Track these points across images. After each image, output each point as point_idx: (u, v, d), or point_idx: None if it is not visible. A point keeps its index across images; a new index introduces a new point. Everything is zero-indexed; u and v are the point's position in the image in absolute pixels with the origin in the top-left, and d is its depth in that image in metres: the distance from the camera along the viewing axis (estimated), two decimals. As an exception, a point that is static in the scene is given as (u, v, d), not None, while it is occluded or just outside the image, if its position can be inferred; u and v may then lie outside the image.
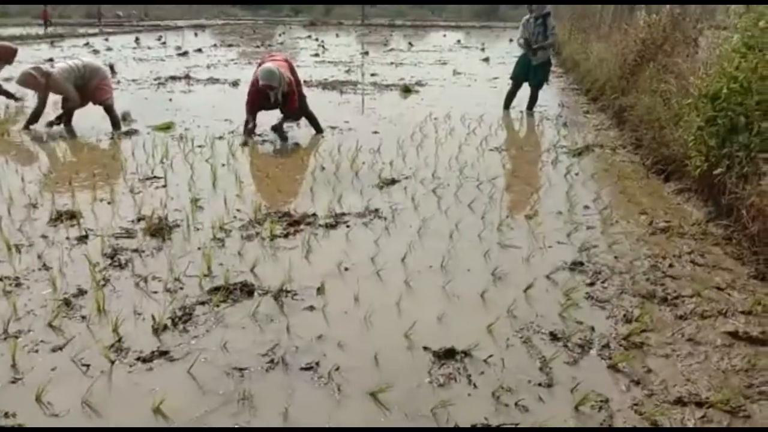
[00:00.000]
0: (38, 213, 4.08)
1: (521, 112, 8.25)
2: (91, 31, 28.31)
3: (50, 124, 6.67)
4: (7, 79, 8.75)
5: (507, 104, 8.34)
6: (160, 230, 3.75)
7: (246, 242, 3.63)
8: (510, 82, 8.43)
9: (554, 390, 2.28)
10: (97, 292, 2.93)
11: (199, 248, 3.51)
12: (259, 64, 6.43)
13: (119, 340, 2.56)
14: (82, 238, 3.65)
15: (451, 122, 7.38)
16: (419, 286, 3.09)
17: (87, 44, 20.38)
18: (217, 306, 2.85)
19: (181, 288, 3.04)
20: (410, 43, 22.19)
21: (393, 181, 4.89)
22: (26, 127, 6.65)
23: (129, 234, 3.73)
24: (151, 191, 4.61)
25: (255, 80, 6.17)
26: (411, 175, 5.11)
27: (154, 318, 2.67)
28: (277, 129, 6.42)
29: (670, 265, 3.35)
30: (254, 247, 3.56)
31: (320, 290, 3.02)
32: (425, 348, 2.52)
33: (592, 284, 3.14)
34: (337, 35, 28.17)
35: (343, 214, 4.12)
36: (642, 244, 3.66)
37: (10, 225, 3.86)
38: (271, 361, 2.43)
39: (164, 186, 4.73)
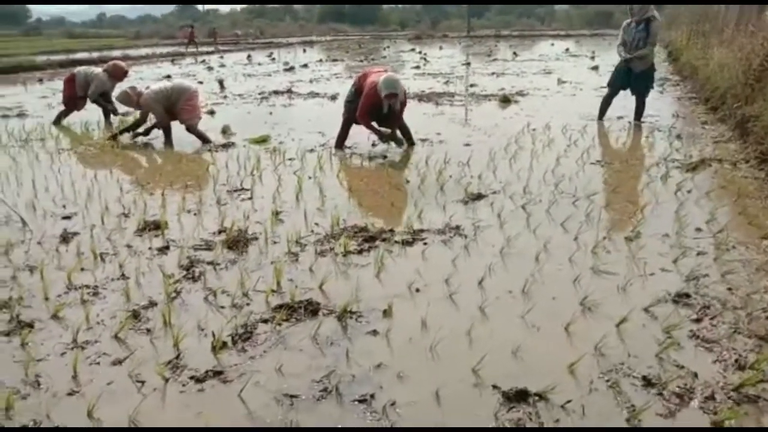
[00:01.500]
0: (128, 222, 4.22)
1: (629, 122, 7.65)
2: (208, 49, 30.20)
3: (135, 135, 7.14)
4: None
5: (601, 114, 7.80)
6: (237, 243, 3.73)
7: (319, 258, 3.52)
8: (607, 88, 7.84)
9: (643, 448, 1.94)
10: (165, 305, 2.92)
11: (272, 262, 3.44)
12: (360, 78, 6.35)
13: (177, 357, 2.51)
14: (164, 249, 3.71)
15: (551, 133, 6.96)
16: (495, 313, 2.82)
17: (203, 62, 21.68)
18: (280, 324, 2.74)
19: (248, 304, 2.97)
20: (515, 53, 21.64)
21: (479, 196, 4.62)
22: (124, 132, 7.15)
23: (208, 246, 3.74)
24: (237, 203, 4.65)
25: (372, 90, 5.99)
26: (500, 189, 4.81)
27: (213, 335, 2.60)
28: (392, 138, 6.34)
29: (799, 302, 2.84)
30: (326, 263, 3.44)
31: (387, 313, 2.83)
32: (494, 387, 2.25)
33: (698, 320, 2.72)
34: (441, 47, 28.08)
35: (422, 230, 3.91)
36: (762, 274, 3.15)
37: (101, 234, 4.00)
38: (325, 389, 2.26)
39: (250, 198, 4.76)
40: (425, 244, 3.72)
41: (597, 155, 5.95)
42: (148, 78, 14.97)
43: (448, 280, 3.15)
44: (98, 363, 2.49)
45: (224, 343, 2.58)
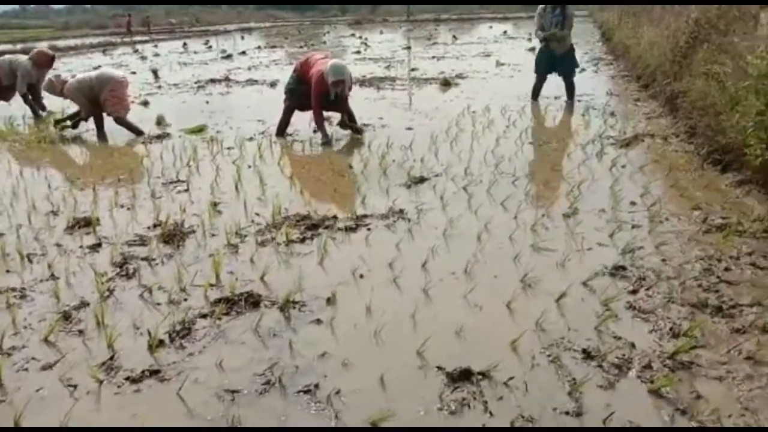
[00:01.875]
0: (58, 220, 4.01)
1: (565, 101, 7.81)
2: (142, 38, 29.11)
3: (57, 122, 6.90)
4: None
5: (535, 95, 7.97)
6: (174, 237, 3.61)
7: (260, 248, 3.44)
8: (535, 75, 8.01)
9: (583, 419, 1.98)
10: (98, 305, 2.79)
11: (210, 255, 3.33)
12: (302, 64, 6.22)
13: (112, 358, 2.40)
14: (95, 246, 3.55)
15: (490, 115, 7.03)
16: (439, 295, 2.82)
17: (136, 51, 20.89)
18: (219, 319, 2.66)
19: (186, 299, 2.87)
20: (454, 36, 21.76)
21: (422, 179, 4.62)
22: (62, 121, 6.83)
23: (142, 241, 3.59)
24: (173, 196, 4.50)
25: (320, 79, 5.85)
26: (442, 172, 4.82)
27: (150, 333, 2.50)
28: (347, 125, 6.28)
29: (727, 269, 2.96)
30: (268, 254, 3.37)
31: (330, 300, 2.79)
32: (439, 368, 2.25)
33: (634, 292, 2.79)
34: (381, 32, 27.96)
35: (365, 216, 3.88)
36: (694, 244, 3.27)
37: (28, 233, 3.80)
38: (267, 382, 2.21)
39: (186, 190, 4.61)
40: (369, 229, 3.69)
41: (535, 135, 6.04)
42: (77, 70, 14.33)
43: (392, 265, 3.14)
44: (26, 369, 2.36)
45: (161, 341, 2.49)
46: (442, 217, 3.83)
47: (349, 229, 3.67)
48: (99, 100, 6.48)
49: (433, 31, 27.68)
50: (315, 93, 5.96)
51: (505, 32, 23.64)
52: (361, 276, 3.04)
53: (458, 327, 2.51)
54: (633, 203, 3.96)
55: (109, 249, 3.48)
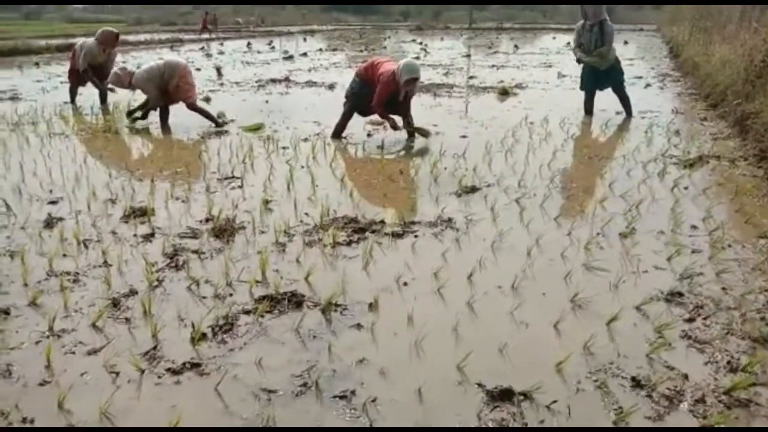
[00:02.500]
0: (115, 209, 4.14)
1: (622, 116, 7.57)
2: (209, 36, 29.96)
3: (129, 114, 7.11)
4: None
5: (587, 111, 7.77)
6: (224, 231, 3.66)
7: (306, 248, 3.45)
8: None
9: (629, 452, 1.88)
10: (146, 294, 2.85)
11: (258, 252, 3.36)
12: (367, 68, 6.21)
13: (155, 348, 2.44)
14: (149, 236, 3.63)
15: (549, 126, 6.88)
16: (483, 309, 2.75)
17: (202, 48, 21.50)
18: (262, 316, 2.67)
19: (231, 294, 2.90)
20: (516, 46, 21.49)
21: (473, 189, 4.55)
22: (134, 112, 7.03)
23: (194, 234, 3.66)
24: (227, 191, 4.57)
25: (390, 78, 5.88)
26: (494, 182, 4.74)
27: (193, 326, 2.53)
28: (413, 126, 6.30)
29: (794, 303, 2.78)
30: (314, 255, 3.37)
31: (372, 306, 2.76)
32: (479, 385, 2.18)
33: (691, 320, 2.65)
34: (442, 39, 27.92)
35: (413, 222, 3.84)
36: (758, 274, 3.09)
37: (86, 219, 3.92)
38: (304, 384, 2.20)
39: (240, 186, 4.68)
40: (416, 236, 3.65)
41: (594, 150, 5.88)
42: (144, 65, 14.86)
43: (437, 274, 3.09)
44: (73, 352, 2.42)
45: (204, 335, 2.51)
46: (492, 228, 3.75)
47: (395, 235, 3.64)
48: (168, 88, 6.68)
49: (495, 39, 27.43)
50: (381, 92, 5.97)
51: (568, 43, 23.12)
52: (405, 284, 3.00)
53: (502, 344, 2.44)
54: (694, 227, 3.78)
55: (161, 239, 3.56)
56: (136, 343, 2.48)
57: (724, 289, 2.94)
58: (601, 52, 7.21)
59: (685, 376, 2.23)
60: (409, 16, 58.66)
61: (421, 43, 23.38)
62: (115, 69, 6.93)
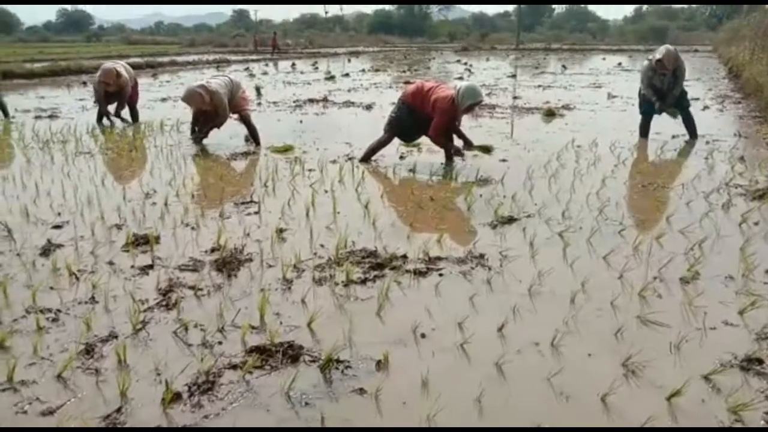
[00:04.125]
0: (120, 235, 3.84)
1: (685, 142, 6.96)
2: (255, 57, 30.39)
3: (195, 138, 6.93)
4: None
5: (644, 133, 7.20)
6: (228, 264, 3.30)
7: (315, 287, 3.05)
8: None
9: None
10: (126, 339, 2.50)
11: (261, 290, 2.98)
12: (413, 94, 5.82)
13: (119, 410, 2.06)
14: (146, 268, 3.30)
15: (597, 151, 6.35)
16: (515, 372, 2.28)
17: (247, 69, 21.65)
18: (250, 373, 2.27)
19: (220, 342, 2.51)
20: (564, 66, 20.87)
21: (511, 220, 4.08)
22: (198, 140, 6.84)
23: (195, 267, 3.31)
24: (241, 217, 4.24)
25: (448, 105, 5.53)
26: (535, 212, 4.25)
27: (167, 384, 2.15)
28: (473, 145, 6.00)
29: None
30: (322, 295, 2.97)
31: (381, 365, 2.33)
32: (503, 481, 1.72)
33: (776, 397, 2.12)
34: (488, 59, 27.49)
35: (439, 258, 3.39)
36: None
37: (86, 247, 3.63)
38: (284, 470, 1.78)
39: (257, 212, 4.34)
40: (441, 275, 3.20)
41: (649, 177, 5.32)
42: (187, 84, 14.92)
43: (462, 324, 2.63)
44: (25, 412, 2.07)
45: (178, 395, 2.13)
46: (530, 268, 3.27)
47: (418, 273, 3.20)
48: (233, 101, 6.63)
49: (542, 60, 26.84)
50: (442, 120, 5.63)
51: (619, 64, 22.43)
52: (423, 335, 2.56)
53: (536, 423, 1.96)
54: (770, 272, 3.22)
55: (159, 272, 3.22)
56: (100, 402, 2.12)
57: (815, 355, 2.39)
58: (673, 111, 7.01)
59: (776, 483, 1.72)
60: (455, 38, 58.52)
61: (465, 64, 23.01)
62: (195, 88, 6.52)
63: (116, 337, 2.55)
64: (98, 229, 3.94)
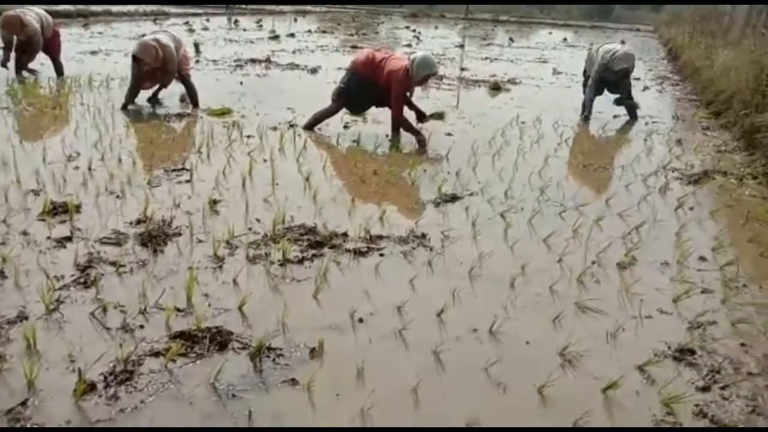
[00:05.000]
0: (37, 202, 3.54)
1: (626, 122, 7.08)
2: (196, 10, 29.00)
3: (151, 101, 6.51)
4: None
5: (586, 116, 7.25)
6: (154, 238, 3.09)
7: (249, 265, 2.89)
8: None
9: None
10: (36, 322, 2.29)
11: (189, 268, 2.80)
12: (363, 63, 5.56)
13: (24, 403, 1.88)
14: (64, 240, 3.05)
15: (541, 128, 6.36)
16: (453, 361, 2.22)
17: (186, 23, 20.63)
18: (173, 361, 2.12)
19: (142, 326, 2.34)
20: (511, 39, 20.89)
21: (454, 198, 4.01)
22: (125, 106, 6.24)
23: (117, 240, 3.08)
24: (172, 186, 3.99)
25: (403, 76, 5.30)
26: (478, 191, 4.20)
27: (80, 374, 1.97)
28: (427, 116, 5.83)
29: (831, 371, 2.28)
30: (256, 274, 2.82)
31: (315, 352, 2.22)
32: (436, 481, 1.66)
33: (705, 389, 2.15)
34: (437, 27, 27.25)
35: (381, 237, 3.29)
36: (784, 327, 2.60)
37: (-2, 214, 3.33)
38: (206, 472, 1.66)
39: (188, 181, 4.10)
40: (381, 255, 3.10)
41: (590, 157, 5.35)
42: (122, 36, 14.09)
43: (401, 308, 2.55)
44: None
45: (92, 386, 1.96)
46: (471, 249, 3.22)
47: (358, 253, 3.09)
48: (177, 58, 6.22)
49: (490, 31, 26.79)
50: (397, 92, 5.41)
51: (565, 39, 22.64)
52: (361, 320, 2.46)
53: (472, 417, 1.91)
54: (703, 259, 3.28)
55: (78, 245, 2.98)
56: (3, 394, 1.92)
57: (743, 345, 2.44)
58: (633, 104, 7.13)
59: (706, 480, 1.73)
60: (404, 3, 57.73)
61: (414, 31, 22.70)
62: (148, 41, 6.00)
63: (26, 318, 2.34)
64: (12, 194, 3.63)
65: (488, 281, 2.88)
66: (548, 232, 3.49)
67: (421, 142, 5.43)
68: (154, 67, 6.08)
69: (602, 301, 2.73)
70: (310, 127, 5.81)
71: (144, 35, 6.70)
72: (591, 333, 2.47)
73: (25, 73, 7.77)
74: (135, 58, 5.96)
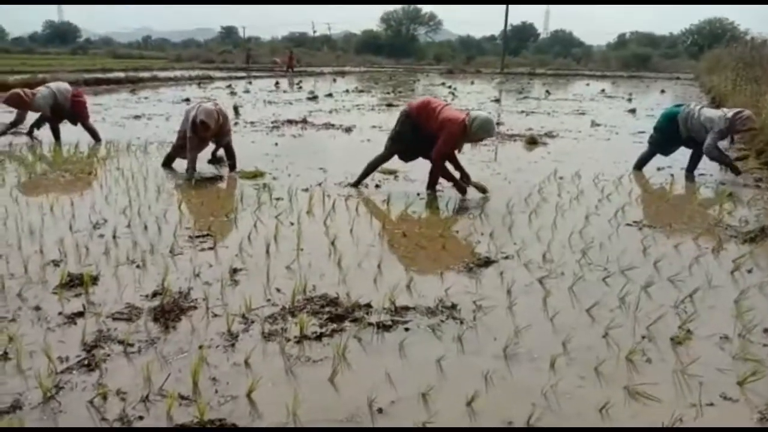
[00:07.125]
0: (55, 274, 3.45)
1: (671, 175, 6.73)
2: (240, 74, 30.05)
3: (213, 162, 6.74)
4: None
5: (639, 166, 6.97)
6: (168, 313, 2.93)
7: (264, 343, 2.69)
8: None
9: None
10: (30, 410, 2.12)
11: (200, 347, 2.62)
12: (419, 108, 5.57)
13: None
14: (75, 316, 2.92)
15: (581, 183, 6.09)
16: (483, 463, 1.94)
17: (229, 86, 21.32)
18: (169, 462, 1.91)
19: (141, 417, 2.14)
20: (547, 91, 20.83)
21: (488, 262, 3.77)
22: (191, 176, 6.17)
23: (129, 315, 2.94)
24: (194, 254, 3.87)
25: (459, 128, 5.27)
26: (514, 254, 3.94)
27: (64, 477, 1.78)
28: (471, 181, 5.71)
29: None
30: (270, 354, 2.61)
31: (326, 452, 1.98)
32: None
33: (789, 501, 1.80)
34: (472, 83, 27.47)
35: (407, 308, 3.06)
36: None
37: (14, 287, 3.24)
38: None
39: (212, 248, 3.98)
40: (407, 329, 2.86)
41: (635, 215, 5.04)
42: (165, 101, 14.57)
43: (427, 395, 2.29)
44: None
45: (76, 493, 1.76)
46: (507, 321, 2.95)
47: (381, 327, 2.86)
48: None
49: (526, 84, 26.86)
50: (447, 143, 5.38)
51: (602, 90, 22.44)
52: (380, 411, 2.21)
53: None
54: (768, 331, 2.92)
55: (88, 321, 2.85)
56: (-21, 501, 1.74)
57: (828, 441, 2.08)
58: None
59: None
60: (441, 60, 58.85)
61: (450, 87, 22.91)
62: (209, 107, 6.07)
63: (20, 408, 2.17)
64: (33, 265, 3.56)
65: (525, 361, 2.60)
66: (592, 302, 3.19)
67: (461, 190, 5.44)
68: (213, 131, 6.12)
69: (656, 385, 2.41)
70: (360, 180, 5.76)
71: (188, 99, 6.79)
72: (644, 425, 2.15)
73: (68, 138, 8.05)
74: (203, 123, 5.95)
